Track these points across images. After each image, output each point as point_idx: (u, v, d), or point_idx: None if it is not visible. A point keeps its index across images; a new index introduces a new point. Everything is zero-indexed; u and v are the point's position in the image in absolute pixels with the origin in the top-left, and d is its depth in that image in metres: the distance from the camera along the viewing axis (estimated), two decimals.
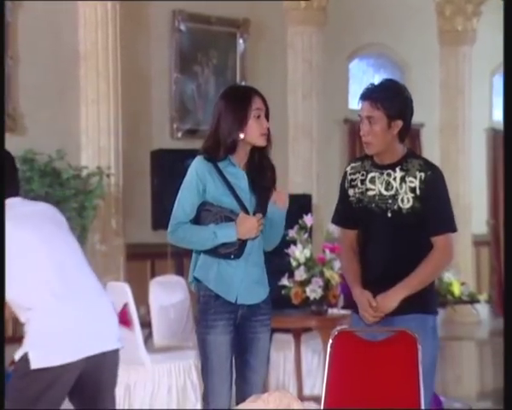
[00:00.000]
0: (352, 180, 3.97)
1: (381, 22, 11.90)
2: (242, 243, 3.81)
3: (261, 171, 3.90)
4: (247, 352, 3.89)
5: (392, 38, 12.06)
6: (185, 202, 3.85)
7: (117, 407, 5.95)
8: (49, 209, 4.02)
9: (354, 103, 11.97)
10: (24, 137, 8.51)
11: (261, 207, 3.86)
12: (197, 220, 3.85)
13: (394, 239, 3.82)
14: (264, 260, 3.96)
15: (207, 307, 3.84)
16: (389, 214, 3.81)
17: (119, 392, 5.97)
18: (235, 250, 3.81)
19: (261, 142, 3.87)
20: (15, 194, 3.89)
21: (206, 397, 3.87)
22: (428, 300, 3.84)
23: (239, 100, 3.86)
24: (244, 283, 3.84)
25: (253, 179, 3.87)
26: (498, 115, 13.28)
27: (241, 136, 3.82)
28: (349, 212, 3.97)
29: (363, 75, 12.22)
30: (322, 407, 3.32)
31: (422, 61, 12.25)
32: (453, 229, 3.87)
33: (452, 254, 3.87)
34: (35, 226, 3.80)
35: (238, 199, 3.82)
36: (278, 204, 3.90)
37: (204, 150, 3.87)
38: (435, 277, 3.87)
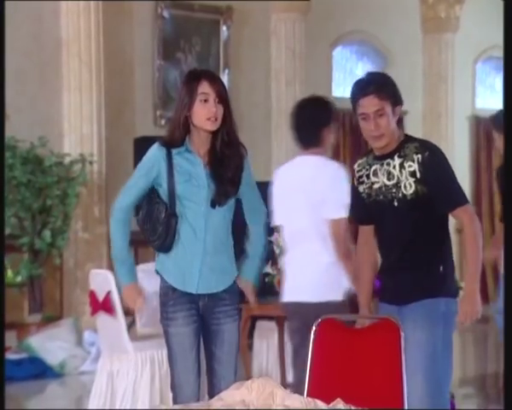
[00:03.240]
0: (360, 177, 3.98)
1: (364, 10, 11.90)
2: (167, 237, 3.77)
3: (222, 160, 3.82)
4: (213, 344, 3.87)
5: (376, 26, 12.06)
6: (131, 185, 3.88)
7: (99, 395, 5.95)
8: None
9: (338, 91, 11.98)
10: (5, 123, 8.46)
11: (219, 198, 3.80)
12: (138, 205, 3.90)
13: (404, 226, 3.83)
14: (231, 246, 3.91)
15: (166, 298, 3.84)
16: (395, 203, 3.82)
17: (102, 380, 5.96)
18: (158, 244, 3.82)
19: (208, 126, 3.78)
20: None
21: (173, 387, 3.88)
22: (436, 283, 3.82)
23: (187, 83, 3.82)
24: (203, 272, 3.80)
25: (214, 169, 3.81)
26: (481, 103, 13.31)
27: (188, 116, 3.78)
28: (362, 208, 4.00)
29: (346, 63, 12.22)
30: (305, 394, 3.32)
31: (405, 49, 12.26)
32: (466, 200, 3.88)
33: (478, 220, 3.85)
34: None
35: (191, 185, 3.78)
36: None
37: (167, 133, 3.86)
38: (481, 249, 3.81)
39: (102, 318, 6.06)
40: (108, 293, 5.95)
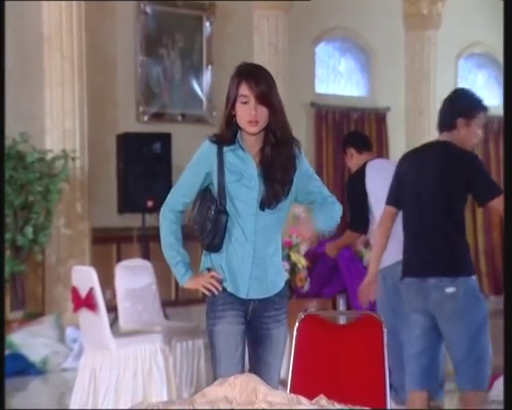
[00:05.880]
0: None
1: (347, 6, 11.90)
2: (216, 234, 3.63)
3: (271, 161, 3.65)
4: (260, 347, 3.74)
5: (358, 22, 12.07)
6: (183, 183, 3.71)
7: (82, 392, 5.94)
8: None
9: (320, 87, 11.99)
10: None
11: (269, 200, 3.64)
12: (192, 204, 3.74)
13: None
14: (280, 246, 3.78)
15: (216, 297, 3.66)
16: None
17: (84, 376, 5.95)
18: (207, 242, 3.66)
19: (249, 129, 3.62)
20: None
21: None
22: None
23: (232, 81, 3.68)
24: (254, 276, 3.67)
25: (264, 169, 3.65)
26: None
27: (234, 118, 3.64)
28: None
29: (329, 59, 12.22)
30: (288, 391, 3.32)
31: (388, 46, 12.28)
32: None
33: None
34: None
35: (242, 185, 3.64)
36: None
37: (218, 130, 3.71)
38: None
39: (85, 314, 6.05)
40: (91, 289, 5.93)
